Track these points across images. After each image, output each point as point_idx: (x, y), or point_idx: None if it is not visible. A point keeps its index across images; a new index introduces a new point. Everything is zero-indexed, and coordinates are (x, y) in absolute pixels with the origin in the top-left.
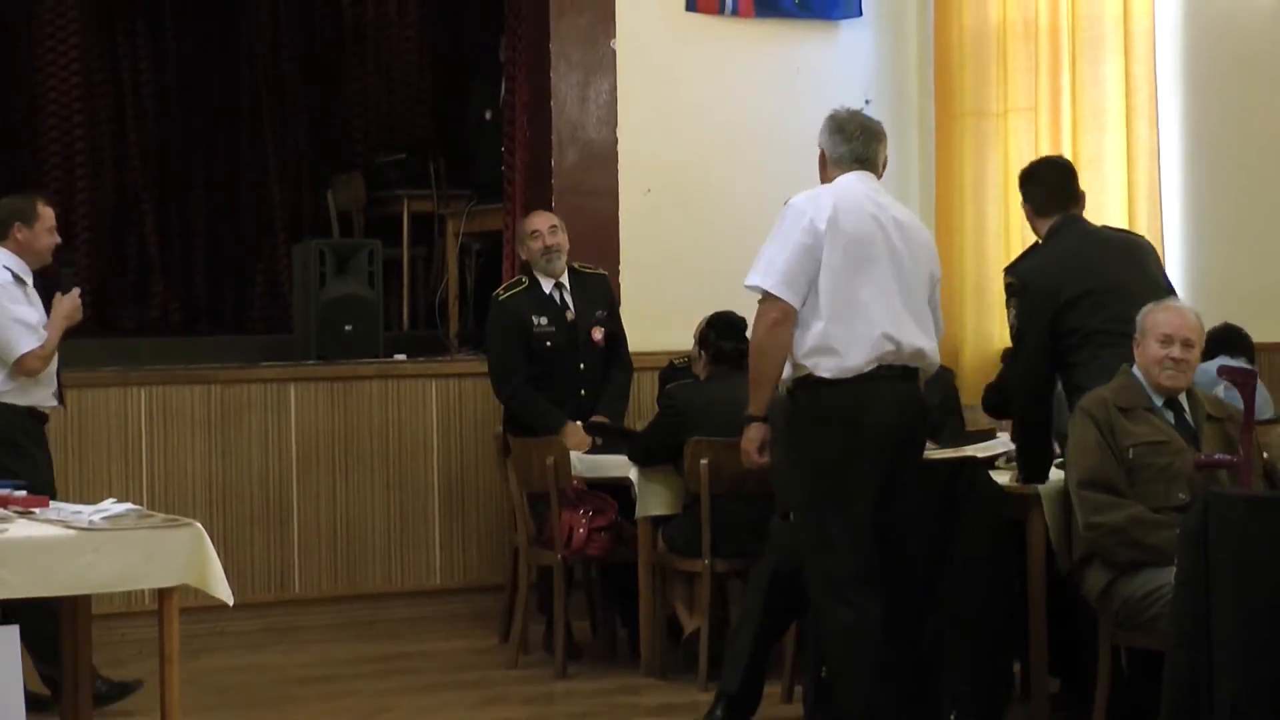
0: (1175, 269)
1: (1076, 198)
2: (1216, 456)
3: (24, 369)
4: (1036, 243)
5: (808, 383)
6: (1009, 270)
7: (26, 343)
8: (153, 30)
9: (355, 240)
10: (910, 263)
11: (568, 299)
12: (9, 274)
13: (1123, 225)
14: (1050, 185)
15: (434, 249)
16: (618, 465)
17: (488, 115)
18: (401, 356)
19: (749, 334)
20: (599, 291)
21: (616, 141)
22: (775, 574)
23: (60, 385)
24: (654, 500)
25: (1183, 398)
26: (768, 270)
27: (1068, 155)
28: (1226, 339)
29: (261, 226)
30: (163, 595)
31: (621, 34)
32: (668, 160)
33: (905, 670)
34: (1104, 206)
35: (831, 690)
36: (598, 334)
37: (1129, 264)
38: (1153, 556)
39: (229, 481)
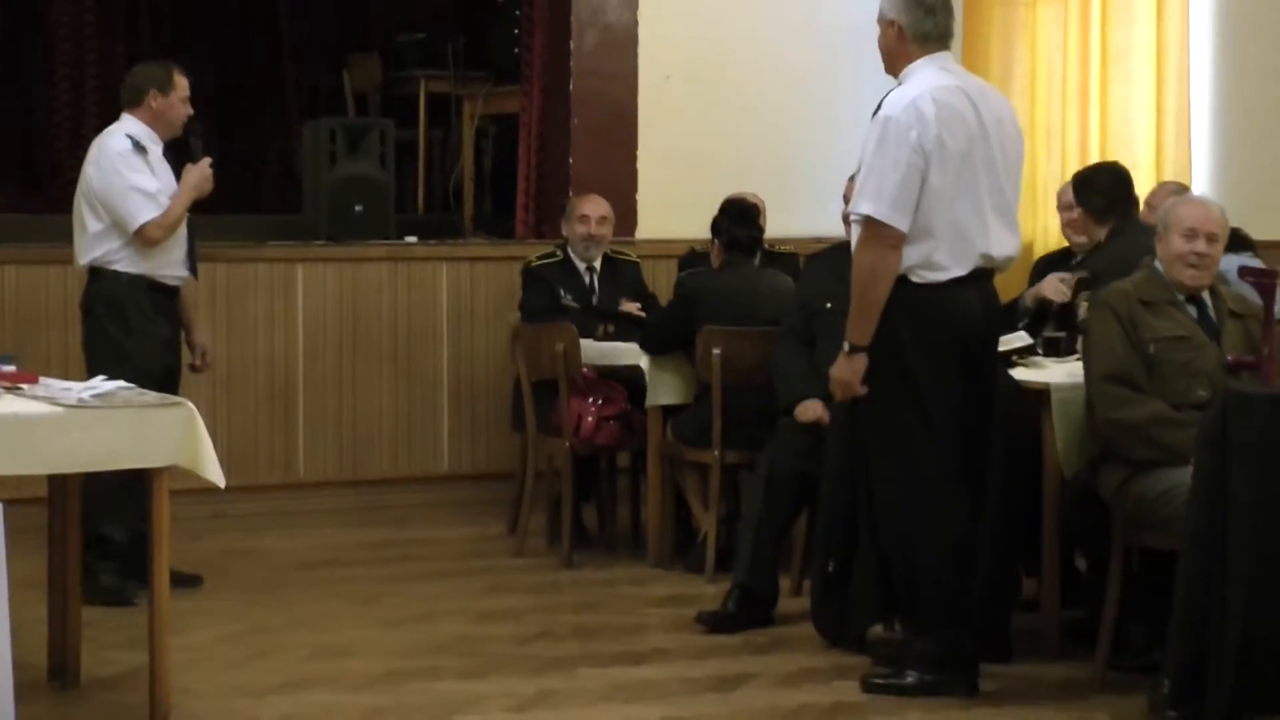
0: (1202, 163)
1: (1134, 202)
2: (1249, 357)
3: (145, 238)
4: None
5: (901, 282)
6: (1081, 263)
7: (146, 211)
8: None
9: (367, 120)
10: (1001, 160)
11: (596, 283)
12: (129, 142)
13: (1150, 118)
14: (1108, 194)
15: (450, 131)
16: (628, 353)
17: None
18: (413, 239)
19: (853, 253)
20: (629, 279)
21: (637, 25)
22: (772, 469)
23: (194, 256)
24: (665, 389)
25: (1205, 293)
26: (878, 196)
27: (1096, 46)
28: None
29: (276, 105)
30: (153, 475)
31: None
32: (689, 46)
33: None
34: (1131, 100)
35: (902, 584)
36: (630, 305)
37: None
38: (1170, 456)
39: (234, 362)
